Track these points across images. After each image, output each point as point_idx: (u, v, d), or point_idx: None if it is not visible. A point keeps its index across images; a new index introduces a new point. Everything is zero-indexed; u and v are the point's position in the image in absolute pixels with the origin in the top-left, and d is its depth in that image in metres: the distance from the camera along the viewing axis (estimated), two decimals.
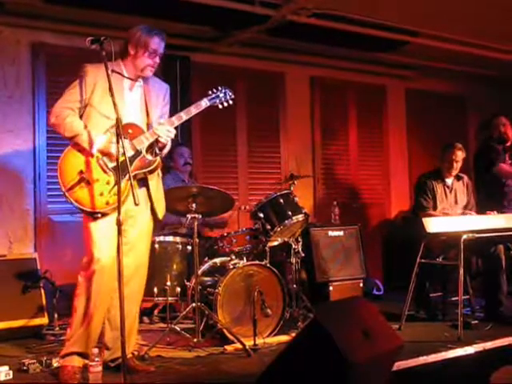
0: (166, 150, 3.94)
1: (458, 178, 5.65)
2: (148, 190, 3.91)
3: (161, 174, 4.06)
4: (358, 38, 6.37)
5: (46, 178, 5.67)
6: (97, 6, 5.39)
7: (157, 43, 3.82)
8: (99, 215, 3.67)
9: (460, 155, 5.53)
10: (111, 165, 3.69)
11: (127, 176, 3.57)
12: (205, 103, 4.03)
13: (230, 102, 4.14)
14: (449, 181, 5.59)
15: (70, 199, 3.66)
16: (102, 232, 3.68)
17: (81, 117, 3.78)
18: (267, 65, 7.05)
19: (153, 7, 5.43)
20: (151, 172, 3.88)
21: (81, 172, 3.68)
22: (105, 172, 3.70)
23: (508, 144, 6.19)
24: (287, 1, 5.55)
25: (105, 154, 3.69)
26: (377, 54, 7.19)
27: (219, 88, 4.12)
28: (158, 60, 3.87)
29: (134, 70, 3.87)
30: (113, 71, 3.66)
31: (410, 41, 6.64)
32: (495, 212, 5.20)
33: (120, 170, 3.44)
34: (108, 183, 3.69)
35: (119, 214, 3.31)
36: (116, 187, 3.60)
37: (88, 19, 5.58)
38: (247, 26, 6.05)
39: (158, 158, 3.87)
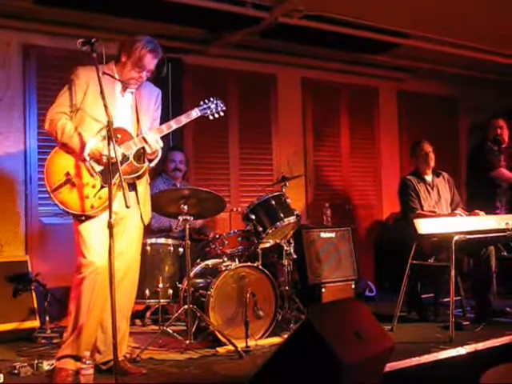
0: (155, 162, 3.94)
1: (436, 174, 5.68)
2: (136, 194, 3.91)
3: (149, 180, 4.07)
4: (350, 39, 6.38)
5: (37, 180, 5.63)
6: (88, 8, 5.37)
7: (148, 61, 3.79)
8: (83, 218, 3.67)
9: (429, 146, 5.63)
10: (98, 168, 3.70)
11: (115, 180, 3.57)
12: (196, 113, 4.04)
13: (221, 113, 4.16)
14: (428, 178, 5.62)
15: (55, 200, 3.66)
16: (93, 235, 3.68)
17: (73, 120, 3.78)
18: (259, 67, 7.05)
19: (144, 9, 5.42)
20: (138, 178, 3.89)
21: (67, 174, 3.68)
22: (91, 175, 3.69)
23: (503, 146, 6.23)
24: (279, 3, 5.56)
25: (95, 157, 3.68)
26: (369, 55, 7.20)
27: (211, 99, 4.14)
28: (144, 75, 3.85)
29: (122, 77, 3.86)
30: (104, 73, 3.64)
31: (401, 43, 6.66)
32: (483, 213, 5.21)
33: (107, 174, 3.45)
34: (94, 186, 3.68)
35: (110, 217, 3.31)
36: (101, 191, 3.63)
37: (79, 21, 5.55)
38: (239, 28, 6.05)
39: (145, 165, 3.86)
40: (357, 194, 7.79)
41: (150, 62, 3.80)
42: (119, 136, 3.75)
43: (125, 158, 3.76)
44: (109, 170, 3.42)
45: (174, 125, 3.93)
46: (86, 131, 3.70)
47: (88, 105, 3.75)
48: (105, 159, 3.59)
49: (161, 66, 3.89)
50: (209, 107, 4.11)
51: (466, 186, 6.51)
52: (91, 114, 3.73)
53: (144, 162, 3.85)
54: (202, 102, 4.11)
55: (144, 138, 3.79)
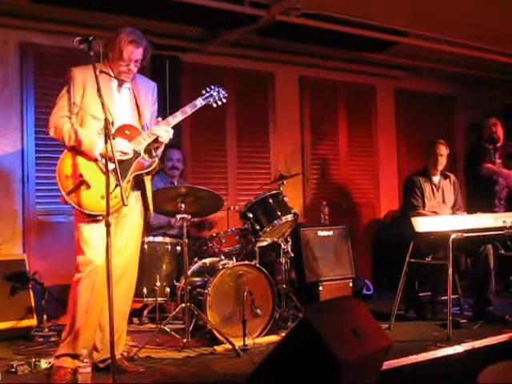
0: (160, 151, 3.95)
1: (444, 176, 5.68)
2: (144, 190, 3.92)
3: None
4: (348, 38, 6.38)
5: (35, 178, 5.64)
6: (85, 6, 5.36)
7: (130, 52, 3.74)
8: (100, 217, 3.64)
9: (443, 149, 5.60)
10: (110, 167, 3.66)
11: (127, 178, 3.63)
12: (199, 103, 4.06)
13: (224, 100, 4.18)
14: (436, 179, 5.62)
15: (71, 203, 3.63)
16: (94, 233, 3.68)
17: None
18: (257, 65, 7.04)
19: (142, 7, 5.42)
20: (149, 173, 3.89)
21: (80, 175, 3.66)
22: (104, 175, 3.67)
23: (498, 144, 6.25)
24: (276, 1, 5.55)
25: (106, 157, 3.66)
26: (366, 54, 7.20)
27: (212, 87, 4.15)
28: (133, 67, 3.82)
29: (114, 73, 3.85)
30: (101, 71, 3.64)
31: (399, 41, 6.66)
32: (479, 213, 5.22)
33: (119, 171, 3.43)
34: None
35: (108, 215, 3.31)
36: (116, 189, 3.58)
37: (76, 19, 5.55)
38: (237, 26, 6.05)
39: (157, 159, 3.87)
40: (354, 192, 7.79)
41: (133, 52, 3.76)
42: (127, 132, 3.77)
43: (136, 153, 3.77)
44: (106, 168, 3.40)
45: (180, 116, 3.95)
46: (88, 130, 3.70)
47: (87, 104, 3.74)
48: (119, 156, 3.60)
49: (145, 56, 3.86)
50: (211, 95, 4.12)
51: (466, 186, 6.52)
52: (91, 113, 3.73)
53: (154, 157, 3.86)
54: (204, 91, 4.13)
55: (153, 132, 3.81)
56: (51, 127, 3.75)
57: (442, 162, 5.59)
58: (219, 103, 4.16)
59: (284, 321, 5.01)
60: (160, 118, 3.92)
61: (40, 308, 4.96)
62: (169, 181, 5.74)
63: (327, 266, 5.88)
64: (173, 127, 3.93)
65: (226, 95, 4.18)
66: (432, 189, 5.57)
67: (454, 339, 4.50)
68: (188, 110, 3.98)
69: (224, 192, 6.53)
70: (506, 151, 6.43)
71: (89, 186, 3.65)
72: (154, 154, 3.87)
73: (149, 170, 3.85)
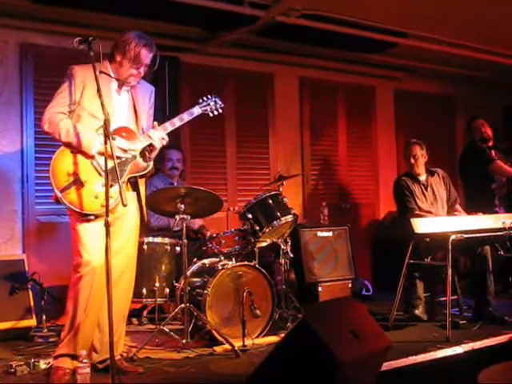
0: (154, 154, 3.94)
1: (431, 173, 5.63)
2: (138, 193, 3.92)
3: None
4: (347, 38, 6.38)
5: (34, 179, 5.63)
6: (85, 7, 5.36)
7: (144, 56, 3.80)
8: (93, 217, 3.65)
9: (417, 149, 5.56)
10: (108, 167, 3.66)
11: (122, 179, 3.61)
12: (197, 111, 4.10)
13: (220, 110, 4.23)
14: (422, 178, 5.58)
15: (64, 201, 3.61)
16: (90, 234, 3.67)
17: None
18: (256, 65, 7.04)
19: (142, 7, 5.42)
20: (143, 176, 3.89)
21: (75, 173, 3.65)
22: (100, 174, 3.67)
23: (490, 144, 6.29)
24: (276, 1, 5.56)
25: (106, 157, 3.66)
26: (366, 55, 7.20)
27: (209, 96, 4.19)
28: (142, 71, 3.86)
29: (118, 76, 3.86)
30: (101, 72, 3.64)
31: (398, 42, 6.66)
32: (480, 213, 5.21)
33: (114, 172, 3.44)
34: (103, 185, 3.65)
35: (107, 215, 3.30)
36: (110, 190, 3.56)
37: (76, 20, 5.54)
38: (236, 27, 6.05)
39: (151, 163, 3.87)
40: (354, 192, 7.79)
41: (146, 56, 3.81)
42: (124, 134, 3.78)
43: (132, 155, 3.78)
44: (106, 168, 3.40)
45: (177, 122, 3.97)
46: (86, 129, 3.69)
47: (86, 103, 3.74)
48: (118, 153, 3.62)
49: (154, 60, 3.90)
50: (208, 104, 4.16)
51: (463, 187, 6.51)
52: (90, 112, 3.72)
53: (150, 161, 3.87)
54: (201, 100, 4.15)
55: (149, 136, 3.81)
56: (45, 122, 3.72)
57: (417, 162, 5.54)
58: (215, 113, 4.21)
59: (283, 321, 5.01)
60: (156, 123, 3.93)
61: (39, 308, 4.95)
62: (168, 181, 5.74)
63: (326, 266, 5.88)
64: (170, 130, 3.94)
65: (222, 105, 4.23)
66: (421, 188, 5.50)
67: (454, 340, 4.50)
68: (185, 117, 4.01)
69: (223, 192, 6.53)
70: (502, 148, 6.45)
71: (83, 185, 3.64)
72: (148, 157, 3.88)
73: (144, 172, 3.86)
